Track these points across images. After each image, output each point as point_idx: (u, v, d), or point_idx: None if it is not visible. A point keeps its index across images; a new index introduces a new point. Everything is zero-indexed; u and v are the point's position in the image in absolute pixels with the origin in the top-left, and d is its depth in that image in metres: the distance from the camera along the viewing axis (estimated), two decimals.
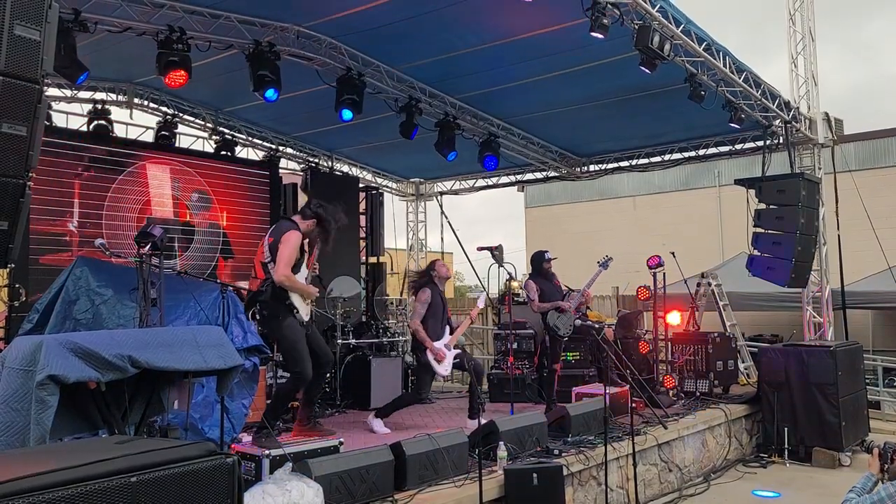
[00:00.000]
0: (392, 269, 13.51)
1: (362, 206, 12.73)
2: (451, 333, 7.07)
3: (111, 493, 2.30)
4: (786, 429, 8.17)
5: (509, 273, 6.96)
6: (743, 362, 10.68)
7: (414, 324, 6.91)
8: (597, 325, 7.26)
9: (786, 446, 8.14)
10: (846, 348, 8.56)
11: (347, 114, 8.39)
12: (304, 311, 5.53)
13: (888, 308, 12.74)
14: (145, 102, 10.18)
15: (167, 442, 2.86)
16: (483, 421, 5.71)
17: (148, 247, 4.80)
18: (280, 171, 11.46)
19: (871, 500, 3.64)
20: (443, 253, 16.37)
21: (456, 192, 14.14)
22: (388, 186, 13.91)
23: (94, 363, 3.64)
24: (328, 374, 8.06)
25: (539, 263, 8.11)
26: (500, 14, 7.38)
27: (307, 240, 5.71)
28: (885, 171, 15.71)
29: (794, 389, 8.22)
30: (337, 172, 12.60)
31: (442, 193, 14.21)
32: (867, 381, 9.70)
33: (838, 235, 10.27)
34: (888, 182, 14.93)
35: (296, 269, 5.55)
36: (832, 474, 7.67)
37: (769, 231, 8.90)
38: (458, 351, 7.04)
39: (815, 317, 10.03)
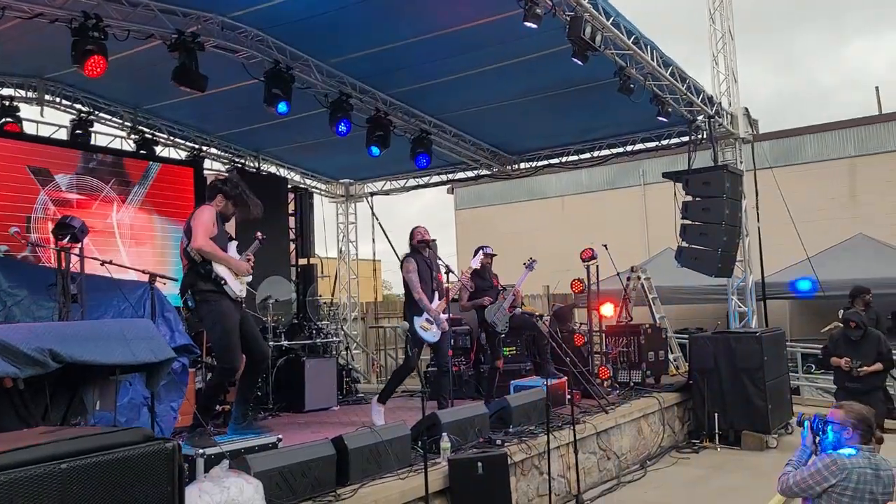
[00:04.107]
0: (322, 273, 13.25)
1: (291, 206, 12.44)
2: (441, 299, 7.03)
3: (39, 482, 2.12)
4: (716, 414, 8.37)
5: (447, 266, 6.88)
6: (672, 353, 10.94)
7: (416, 294, 6.84)
8: (537, 314, 7.28)
9: (716, 431, 8.34)
10: (770, 334, 8.86)
11: (283, 107, 8.14)
12: (235, 285, 5.23)
13: (804, 298, 13.28)
14: (57, 99, 9.64)
15: (99, 429, 2.66)
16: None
17: (67, 238, 4.51)
18: (205, 171, 11.07)
19: (809, 471, 3.71)
20: (375, 260, 16.21)
21: (387, 193, 14.01)
22: (316, 188, 13.66)
23: (10, 358, 3.37)
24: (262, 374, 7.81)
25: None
26: (434, 4, 7.33)
27: (229, 220, 5.51)
28: (797, 167, 16.43)
29: (723, 375, 8.45)
30: (264, 173, 12.28)
31: (372, 194, 14.06)
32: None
33: (759, 228, 10.64)
34: (800, 178, 15.59)
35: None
36: (761, 456, 7.90)
37: (696, 222, 9.13)
38: (446, 317, 7.02)
39: (739, 306, 10.36)
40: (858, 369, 7.57)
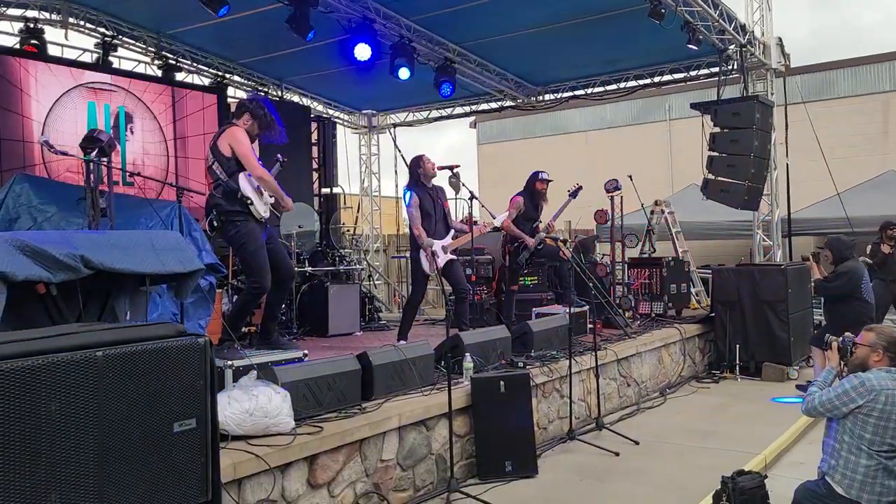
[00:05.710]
0: (345, 204, 13.28)
1: (314, 136, 12.39)
2: (454, 238, 6.90)
3: (75, 367, 2.17)
4: (737, 345, 8.39)
5: (471, 192, 6.82)
6: (694, 287, 10.90)
7: (415, 230, 6.71)
8: (561, 239, 7.26)
9: (737, 362, 8.38)
10: (795, 267, 8.79)
11: (308, 34, 7.99)
12: (260, 206, 5.28)
13: (831, 234, 13.08)
14: (81, 22, 9.57)
15: (134, 324, 2.71)
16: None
17: (95, 152, 4.53)
18: (228, 99, 11.02)
19: (836, 391, 3.68)
20: (397, 198, 16.16)
21: (409, 124, 13.87)
22: (339, 118, 13.55)
23: (43, 262, 3.43)
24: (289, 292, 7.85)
25: (532, 182, 8.07)
26: None
27: (254, 142, 5.51)
28: (829, 102, 16.01)
29: (745, 307, 8.43)
30: (287, 101, 12.19)
31: (395, 125, 13.93)
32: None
33: (787, 163, 10.44)
34: (832, 113, 15.22)
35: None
36: (780, 387, 7.93)
37: (724, 154, 8.96)
38: (452, 258, 6.84)
39: (765, 240, 10.25)
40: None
